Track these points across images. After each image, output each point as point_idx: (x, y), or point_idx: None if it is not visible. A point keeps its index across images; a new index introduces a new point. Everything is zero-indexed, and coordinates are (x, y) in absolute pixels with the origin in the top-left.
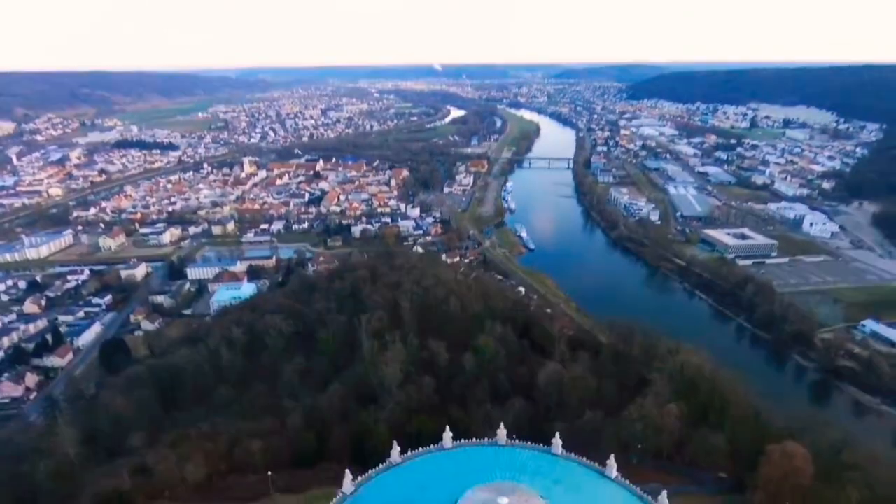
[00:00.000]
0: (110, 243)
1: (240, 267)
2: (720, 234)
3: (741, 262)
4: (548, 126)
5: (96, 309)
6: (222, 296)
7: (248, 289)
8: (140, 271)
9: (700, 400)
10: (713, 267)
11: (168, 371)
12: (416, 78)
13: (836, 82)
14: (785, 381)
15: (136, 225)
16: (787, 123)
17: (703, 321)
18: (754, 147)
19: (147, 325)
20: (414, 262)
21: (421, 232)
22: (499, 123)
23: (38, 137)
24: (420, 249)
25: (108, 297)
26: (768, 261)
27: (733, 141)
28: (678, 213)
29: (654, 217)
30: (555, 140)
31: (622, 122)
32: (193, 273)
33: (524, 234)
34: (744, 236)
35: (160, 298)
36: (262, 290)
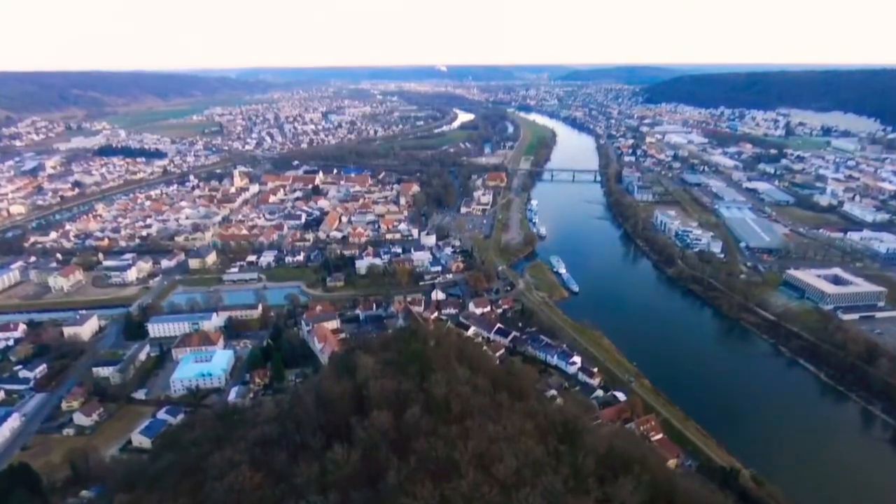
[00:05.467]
0: (62, 283)
1: (216, 321)
2: (810, 277)
3: (845, 317)
4: (563, 132)
5: (22, 387)
6: (187, 371)
7: (221, 360)
8: (88, 327)
9: None
10: (814, 325)
11: None
12: (419, 79)
13: (874, 86)
14: None
15: (100, 256)
16: (826, 132)
17: (811, 401)
18: (801, 159)
19: (81, 419)
20: (466, 399)
21: (439, 268)
22: (511, 129)
23: (17, 143)
24: (441, 294)
25: (42, 367)
26: (878, 314)
27: (774, 151)
28: (742, 244)
29: (716, 248)
30: (573, 148)
31: (644, 129)
32: (156, 329)
33: (563, 271)
34: (838, 279)
35: (106, 371)
36: (240, 357)
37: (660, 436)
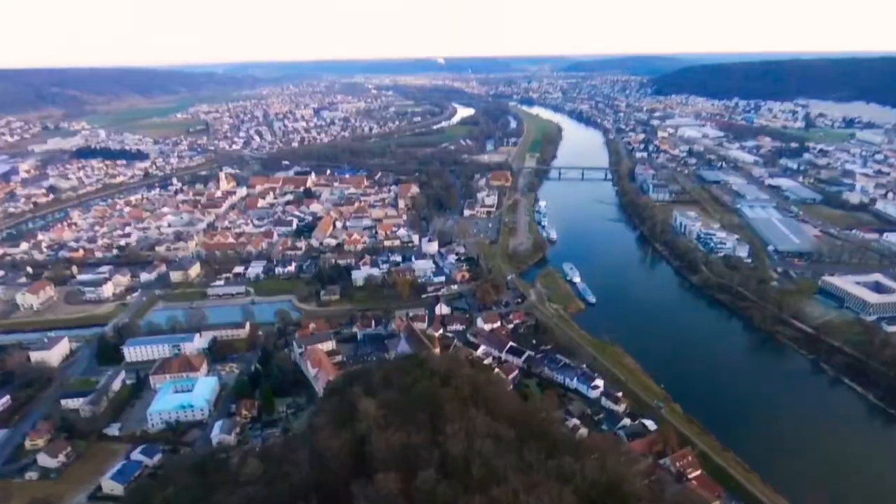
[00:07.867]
0: (31, 300)
1: (199, 342)
2: (849, 285)
3: (890, 329)
4: (569, 127)
5: None
6: (166, 402)
7: (203, 389)
8: (58, 351)
9: None
10: (857, 338)
11: None
12: (415, 72)
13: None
14: None
15: (74, 269)
16: (849, 123)
17: (860, 426)
18: (824, 153)
19: (46, 461)
20: (489, 458)
21: (443, 278)
22: (513, 124)
23: None
24: (446, 308)
25: (5, 399)
26: None
27: (795, 145)
28: (770, 247)
29: (743, 253)
30: (580, 144)
31: (655, 122)
32: (133, 353)
33: (577, 280)
34: (879, 286)
35: (76, 403)
36: (225, 384)
37: (698, 472)
